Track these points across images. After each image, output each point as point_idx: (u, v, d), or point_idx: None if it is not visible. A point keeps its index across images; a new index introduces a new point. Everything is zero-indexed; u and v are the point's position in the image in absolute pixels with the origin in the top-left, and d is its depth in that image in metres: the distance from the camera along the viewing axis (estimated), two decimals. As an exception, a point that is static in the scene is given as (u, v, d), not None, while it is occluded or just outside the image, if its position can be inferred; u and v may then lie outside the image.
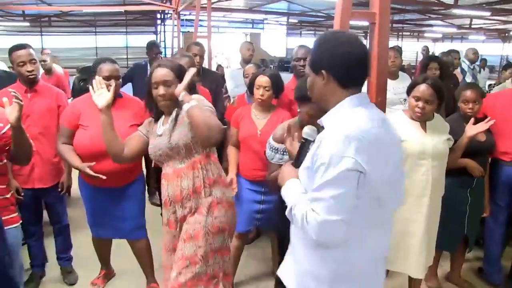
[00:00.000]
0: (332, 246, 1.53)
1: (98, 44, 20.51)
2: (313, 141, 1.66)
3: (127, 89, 3.82)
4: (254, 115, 3.12)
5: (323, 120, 1.60)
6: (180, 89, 2.22)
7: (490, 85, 6.64)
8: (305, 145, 1.75)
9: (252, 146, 3.06)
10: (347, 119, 1.50)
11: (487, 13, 12.43)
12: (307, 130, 1.78)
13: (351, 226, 1.46)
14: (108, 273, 3.40)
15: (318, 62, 1.58)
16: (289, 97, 3.28)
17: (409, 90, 2.71)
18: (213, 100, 4.02)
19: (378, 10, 2.76)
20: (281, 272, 1.82)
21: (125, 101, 2.90)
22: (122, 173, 2.78)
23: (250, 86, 3.15)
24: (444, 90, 2.69)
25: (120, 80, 2.84)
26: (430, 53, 11.23)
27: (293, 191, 1.62)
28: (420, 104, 2.61)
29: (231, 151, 3.23)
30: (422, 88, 2.61)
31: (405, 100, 3.50)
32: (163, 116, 2.40)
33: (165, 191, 2.34)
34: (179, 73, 2.32)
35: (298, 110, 2.42)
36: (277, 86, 3.09)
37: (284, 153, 2.44)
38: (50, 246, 3.49)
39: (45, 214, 3.37)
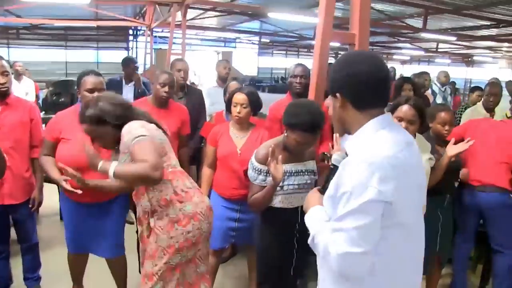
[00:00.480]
0: (361, 280, 1.43)
1: (68, 59, 20.21)
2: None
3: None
4: (233, 133, 3.09)
5: (346, 146, 1.51)
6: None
7: (462, 107, 6.86)
8: (333, 171, 1.61)
9: (231, 165, 3.02)
10: (370, 144, 1.42)
11: (453, 38, 12.89)
12: (336, 157, 1.70)
13: (380, 258, 1.39)
14: None
15: (332, 84, 1.52)
16: (281, 113, 3.28)
17: (392, 111, 2.75)
18: (196, 117, 4.01)
19: (357, 31, 2.82)
20: None
21: None
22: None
23: (228, 104, 3.13)
24: (425, 110, 2.74)
25: None
26: (398, 75, 11.58)
27: (316, 219, 1.56)
28: (403, 124, 2.64)
29: (205, 173, 3.19)
30: (405, 109, 2.65)
31: None
32: None
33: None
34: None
35: (285, 134, 2.42)
36: (254, 104, 3.07)
37: (267, 174, 2.43)
38: (16, 266, 3.34)
39: (12, 232, 3.23)
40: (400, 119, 2.66)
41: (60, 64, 19.51)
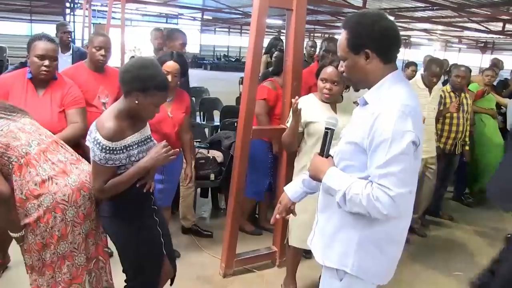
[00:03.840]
0: (388, 220, 1.62)
1: (-2, 31, 18.99)
2: (334, 129, 1.79)
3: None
4: None
5: (366, 97, 1.65)
6: None
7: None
8: (328, 134, 1.79)
9: (163, 128, 3.05)
10: (395, 95, 1.59)
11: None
12: (329, 120, 1.81)
13: None
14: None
15: (359, 42, 1.61)
16: (309, 83, 3.45)
17: (317, 74, 2.81)
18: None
19: (295, -5, 2.84)
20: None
21: (59, 83, 2.71)
22: None
23: None
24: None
25: (57, 61, 2.66)
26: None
27: (340, 177, 1.64)
28: (328, 85, 2.71)
29: None
30: (329, 70, 2.72)
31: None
32: None
33: None
34: None
35: (136, 102, 2.07)
36: (183, 69, 3.15)
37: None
38: None
39: None
40: (325, 80, 2.74)
41: (-13, 36, 18.27)
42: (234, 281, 3.35)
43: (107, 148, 2.00)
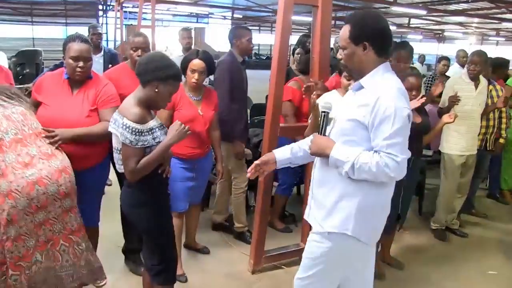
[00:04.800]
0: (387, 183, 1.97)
1: (35, 35, 19.58)
2: (329, 112, 2.02)
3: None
4: (190, 96, 3.15)
5: (363, 82, 1.94)
6: None
7: (430, 76, 7.00)
8: (325, 116, 2.02)
9: (194, 126, 3.01)
10: (389, 80, 1.91)
11: (423, 12, 13.01)
12: (325, 104, 2.04)
13: None
14: None
15: (360, 35, 1.90)
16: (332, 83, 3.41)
17: (341, 72, 2.82)
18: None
19: (320, -8, 2.82)
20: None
21: (94, 82, 2.76)
22: (82, 156, 2.63)
23: (184, 69, 3.13)
24: None
25: (91, 61, 2.71)
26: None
27: (347, 149, 1.90)
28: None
29: None
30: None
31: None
32: None
33: None
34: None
35: (156, 90, 2.29)
36: (210, 68, 3.20)
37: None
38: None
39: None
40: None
41: (26, 40, 18.81)
42: (263, 278, 3.37)
43: (137, 130, 2.20)
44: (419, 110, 3.20)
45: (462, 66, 6.08)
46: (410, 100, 3.12)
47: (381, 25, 1.93)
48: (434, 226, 4.31)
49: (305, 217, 2.21)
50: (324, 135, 2.02)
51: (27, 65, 10.31)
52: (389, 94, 1.84)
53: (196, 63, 3.07)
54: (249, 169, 2.25)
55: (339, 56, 2.00)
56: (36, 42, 18.89)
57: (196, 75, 3.06)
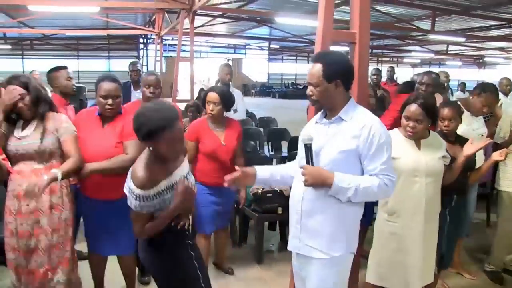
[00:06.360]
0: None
1: (80, 68, 20.49)
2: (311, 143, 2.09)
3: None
4: (212, 128, 3.33)
5: (343, 115, 2.09)
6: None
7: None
8: (310, 148, 2.08)
9: (218, 156, 3.26)
10: (364, 111, 2.13)
11: (462, 39, 12.83)
12: (307, 137, 2.10)
13: None
14: None
15: (333, 74, 2.06)
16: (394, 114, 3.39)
17: (401, 110, 2.73)
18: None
19: (358, 30, 2.83)
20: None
21: (122, 117, 2.87)
22: (118, 185, 2.71)
23: (203, 102, 3.43)
24: (436, 109, 2.73)
25: (120, 99, 2.84)
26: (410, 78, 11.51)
27: (347, 177, 2.03)
28: (411, 123, 2.64)
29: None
30: (413, 109, 2.64)
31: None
32: (21, 121, 2.60)
33: (18, 185, 2.55)
34: None
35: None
36: (226, 100, 3.33)
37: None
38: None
39: None
40: (408, 118, 2.64)
41: (73, 74, 19.73)
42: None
43: (141, 196, 2.02)
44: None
45: (505, 94, 5.90)
46: (442, 131, 3.01)
47: (349, 63, 2.17)
48: (489, 268, 4.06)
49: (296, 250, 2.24)
50: (313, 165, 2.07)
51: (71, 100, 10.70)
52: (376, 124, 2.06)
53: (211, 95, 3.30)
54: (227, 176, 2.22)
55: (309, 92, 2.12)
56: (81, 75, 19.75)
57: (210, 106, 3.27)
